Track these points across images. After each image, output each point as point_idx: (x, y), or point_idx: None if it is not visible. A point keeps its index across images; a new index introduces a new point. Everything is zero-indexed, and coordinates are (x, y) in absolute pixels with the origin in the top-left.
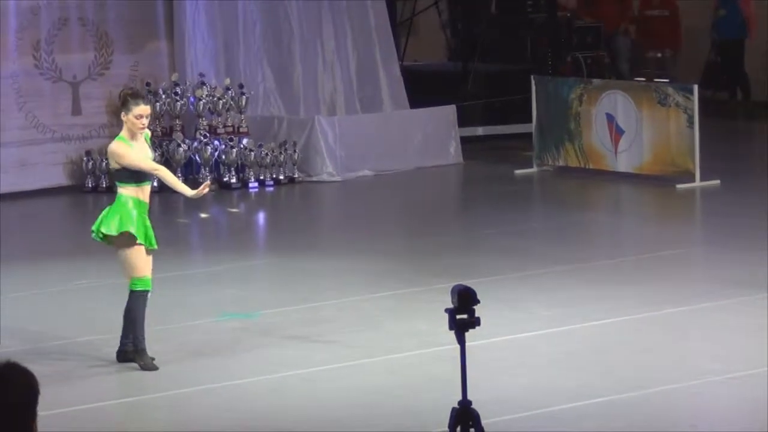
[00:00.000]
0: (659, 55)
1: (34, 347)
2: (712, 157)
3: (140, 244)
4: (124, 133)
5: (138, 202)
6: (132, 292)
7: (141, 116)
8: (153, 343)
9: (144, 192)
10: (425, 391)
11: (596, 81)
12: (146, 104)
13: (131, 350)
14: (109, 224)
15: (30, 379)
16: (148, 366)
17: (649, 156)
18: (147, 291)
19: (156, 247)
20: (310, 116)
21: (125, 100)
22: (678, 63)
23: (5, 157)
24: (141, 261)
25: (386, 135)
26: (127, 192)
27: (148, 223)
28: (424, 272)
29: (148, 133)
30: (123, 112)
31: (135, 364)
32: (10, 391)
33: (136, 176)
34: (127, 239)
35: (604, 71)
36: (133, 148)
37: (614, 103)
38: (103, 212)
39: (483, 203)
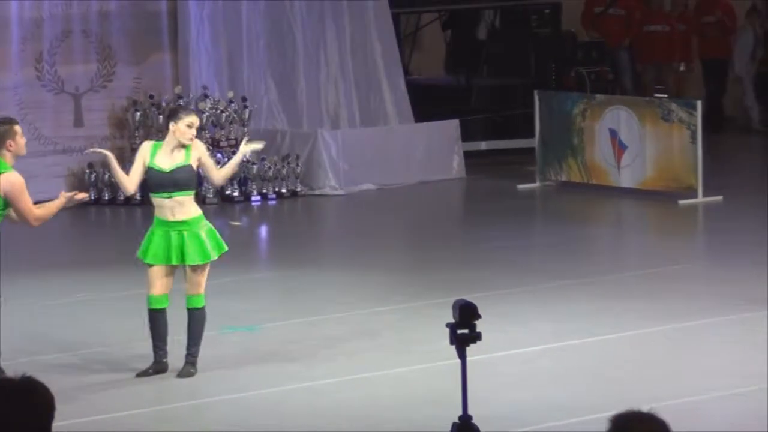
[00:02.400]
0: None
1: (33, 359)
2: (715, 173)
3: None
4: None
5: (156, 218)
6: None
7: (191, 125)
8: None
9: (161, 204)
10: (426, 406)
11: (599, 96)
12: (197, 116)
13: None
14: None
15: (46, 394)
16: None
17: (651, 171)
18: (150, 309)
19: (164, 262)
20: (313, 130)
21: (175, 110)
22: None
23: None
24: (149, 278)
25: (389, 149)
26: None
27: (164, 238)
28: (426, 286)
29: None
30: (171, 122)
31: (130, 376)
32: (28, 405)
33: (149, 186)
34: None
35: (607, 86)
36: (155, 155)
37: (617, 118)
38: None
39: (485, 218)
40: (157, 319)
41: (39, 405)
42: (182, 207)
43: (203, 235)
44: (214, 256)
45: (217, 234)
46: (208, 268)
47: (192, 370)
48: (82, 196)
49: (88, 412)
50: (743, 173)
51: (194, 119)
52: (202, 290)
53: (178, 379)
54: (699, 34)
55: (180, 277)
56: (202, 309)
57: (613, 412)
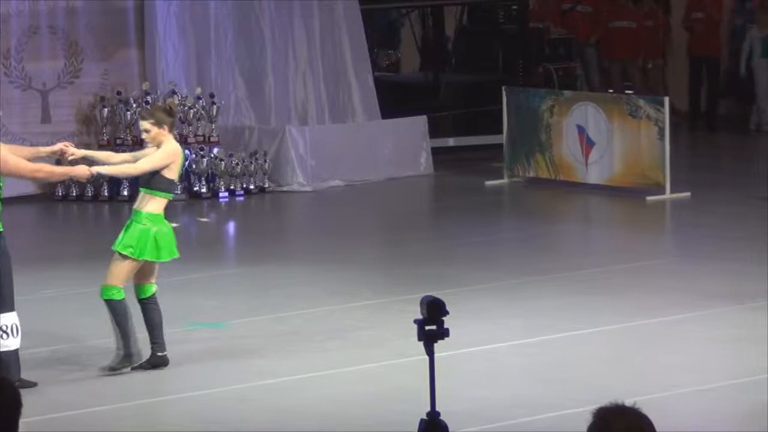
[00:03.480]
0: (649, 65)
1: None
2: (682, 169)
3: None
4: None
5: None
6: None
7: (146, 131)
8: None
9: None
10: (394, 402)
11: (567, 92)
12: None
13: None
14: None
15: (12, 390)
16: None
17: (619, 168)
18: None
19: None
20: (281, 126)
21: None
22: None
23: None
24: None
25: (357, 145)
26: None
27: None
28: (394, 283)
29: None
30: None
31: (96, 372)
32: None
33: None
34: None
35: (575, 83)
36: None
37: (585, 114)
38: None
39: (453, 214)
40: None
41: (5, 401)
42: (141, 201)
43: (138, 229)
44: (122, 250)
45: (159, 241)
46: (123, 262)
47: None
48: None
49: (55, 408)
50: (713, 171)
51: (145, 124)
52: (107, 281)
53: (145, 374)
54: (689, 30)
55: (174, 271)
56: (107, 302)
57: (582, 407)
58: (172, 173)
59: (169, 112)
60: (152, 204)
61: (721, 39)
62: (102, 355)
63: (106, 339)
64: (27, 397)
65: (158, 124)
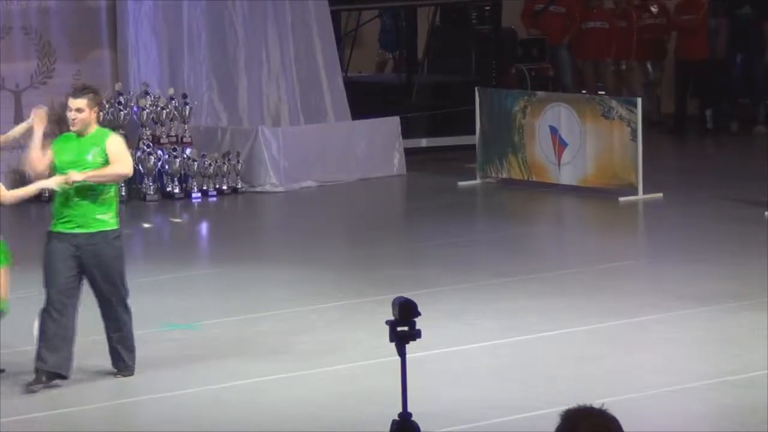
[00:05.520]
0: (613, 68)
1: None
2: (655, 171)
3: None
4: None
5: None
6: None
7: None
8: (93, 355)
9: None
10: (366, 403)
11: (540, 93)
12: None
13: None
14: None
15: None
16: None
17: (592, 169)
18: None
19: None
20: (254, 127)
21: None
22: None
23: None
24: None
25: (330, 146)
26: None
27: None
28: (367, 283)
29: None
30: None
31: (75, 375)
32: None
33: None
34: None
35: (548, 84)
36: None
37: (558, 115)
38: None
39: (426, 215)
40: None
41: None
42: None
43: None
44: None
45: None
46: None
47: None
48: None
49: (22, 411)
50: (687, 172)
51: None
52: None
53: (116, 377)
54: (679, 32)
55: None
56: None
57: (554, 408)
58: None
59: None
60: None
61: (708, 42)
62: (77, 358)
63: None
64: None
65: (91, 106)
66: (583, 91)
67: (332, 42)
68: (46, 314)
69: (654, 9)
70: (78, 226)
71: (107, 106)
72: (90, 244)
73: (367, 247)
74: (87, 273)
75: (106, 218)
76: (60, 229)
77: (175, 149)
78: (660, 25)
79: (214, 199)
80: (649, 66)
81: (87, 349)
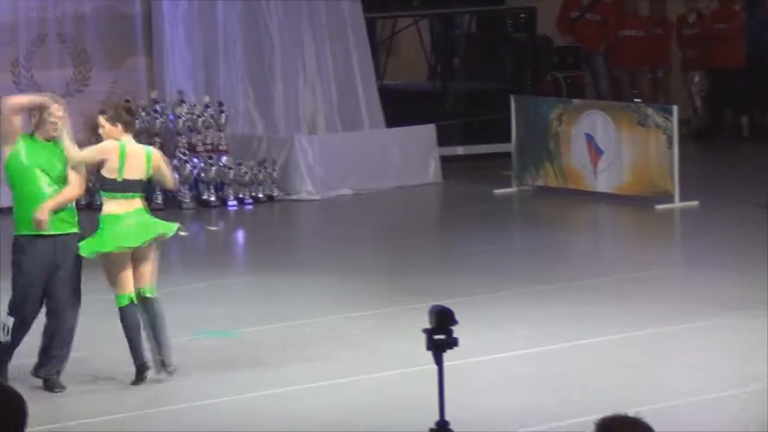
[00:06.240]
0: (649, 75)
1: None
2: (691, 178)
3: None
4: None
5: None
6: None
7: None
8: (129, 362)
9: None
10: (403, 411)
11: (576, 101)
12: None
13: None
14: None
15: (18, 399)
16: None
17: (628, 176)
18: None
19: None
20: (290, 134)
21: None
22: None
23: None
24: None
25: (366, 154)
26: None
27: None
28: (403, 292)
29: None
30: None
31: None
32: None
33: None
34: None
35: (583, 91)
36: None
37: (594, 123)
38: None
39: (462, 223)
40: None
41: (10, 410)
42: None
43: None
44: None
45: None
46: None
47: None
48: None
49: (60, 417)
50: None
51: (99, 119)
52: None
53: (153, 384)
54: (714, 40)
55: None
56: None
57: (590, 416)
58: (109, 172)
59: (129, 111)
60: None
61: (742, 50)
62: (111, 364)
63: (114, 347)
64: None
65: (112, 120)
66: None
67: (367, 49)
68: None
69: (691, 19)
70: None
71: (143, 113)
72: None
73: (403, 255)
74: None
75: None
76: None
77: (211, 157)
78: (697, 35)
79: (250, 207)
80: (696, 76)
81: (119, 358)
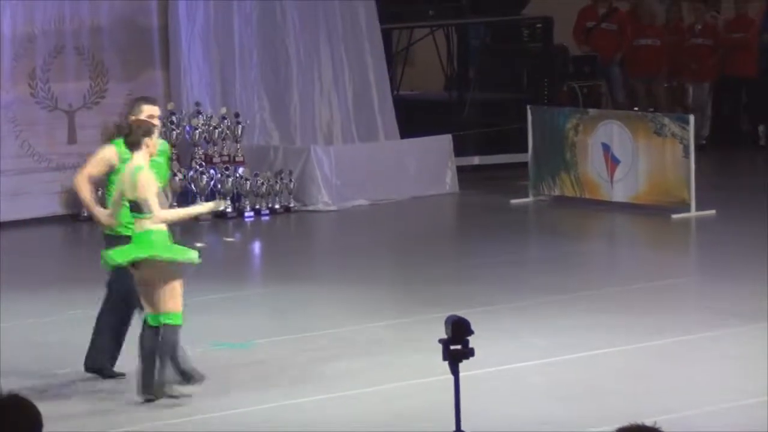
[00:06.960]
0: (666, 85)
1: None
2: (707, 188)
3: None
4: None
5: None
6: None
7: None
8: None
9: None
10: (419, 422)
11: (592, 111)
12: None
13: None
14: None
15: (33, 411)
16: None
17: (644, 186)
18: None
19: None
20: (306, 145)
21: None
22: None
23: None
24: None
25: (382, 164)
26: None
27: None
28: (419, 302)
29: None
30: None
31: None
32: (14, 423)
33: None
34: None
35: (600, 101)
36: None
37: (610, 132)
38: None
39: (479, 233)
40: None
41: (26, 422)
42: None
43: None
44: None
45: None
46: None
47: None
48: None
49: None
50: (737, 189)
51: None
52: None
53: (167, 396)
54: (729, 49)
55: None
56: None
57: (608, 426)
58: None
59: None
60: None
61: (756, 59)
62: (126, 377)
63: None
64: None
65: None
66: (635, 108)
67: (383, 60)
68: None
69: (698, 27)
70: None
71: (159, 125)
72: None
73: (420, 266)
74: None
75: None
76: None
77: (227, 168)
78: (707, 45)
79: (267, 218)
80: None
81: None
